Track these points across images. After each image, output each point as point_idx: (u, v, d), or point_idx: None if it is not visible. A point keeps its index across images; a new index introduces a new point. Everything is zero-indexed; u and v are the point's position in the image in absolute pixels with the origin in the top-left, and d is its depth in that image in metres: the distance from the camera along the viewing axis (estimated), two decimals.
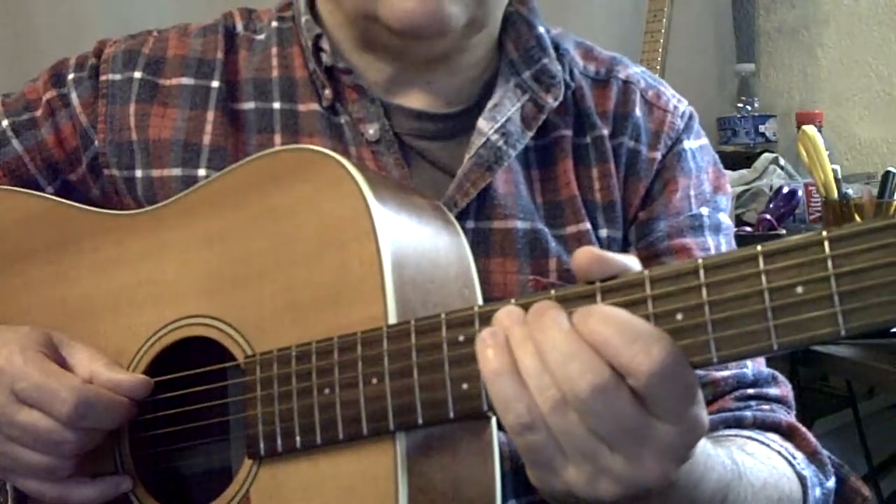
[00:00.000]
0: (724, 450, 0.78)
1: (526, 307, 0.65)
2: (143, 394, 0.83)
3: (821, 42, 2.53)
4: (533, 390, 0.61)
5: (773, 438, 0.90)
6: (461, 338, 0.68)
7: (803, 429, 0.94)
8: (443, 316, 0.69)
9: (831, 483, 0.92)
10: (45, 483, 0.84)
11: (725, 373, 0.94)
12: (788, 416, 0.95)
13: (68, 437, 0.80)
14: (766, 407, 0.94)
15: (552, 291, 0.66)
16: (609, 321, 0.60)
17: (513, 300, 0.66)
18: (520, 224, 0.93)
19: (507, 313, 0.64)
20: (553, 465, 0.63)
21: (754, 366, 0.96)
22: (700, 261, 0.61)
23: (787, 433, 0.93)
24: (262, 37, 1.00)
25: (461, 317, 0.68)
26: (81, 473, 0.84)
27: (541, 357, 0.61)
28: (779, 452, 0.88)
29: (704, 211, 0.98)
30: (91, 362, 0.83)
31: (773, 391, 0.96)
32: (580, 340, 0.61)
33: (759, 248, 0.59)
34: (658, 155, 0.98)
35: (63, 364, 0.84)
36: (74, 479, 0.84)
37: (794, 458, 0.89)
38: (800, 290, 0.58)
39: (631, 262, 0.66)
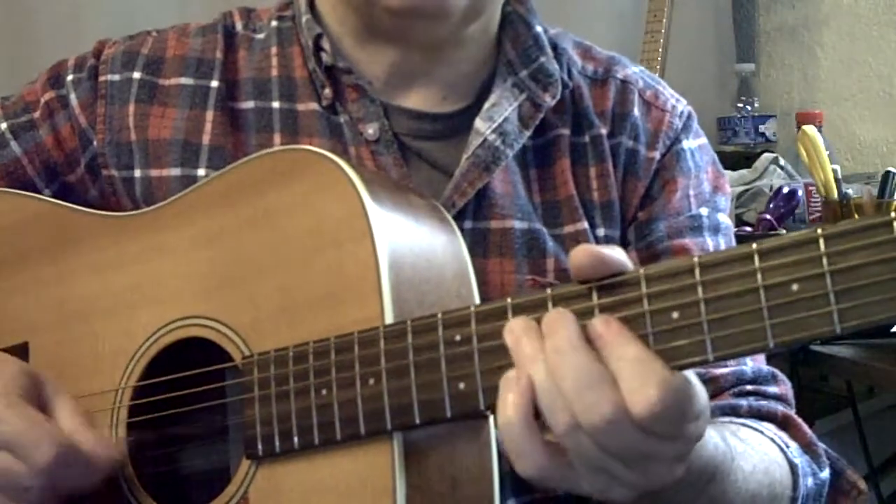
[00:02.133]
0: (716, 432, 0.78)
1: (523, 308, 0.66)
2: (117, 460, 0.81)
3: (821, 42, 2.53)
4: (545, 410, 0.63)
5: (768, 427, 0.91)
6: (458, 337, 0.68)
7: (799, 420, 0.94)
8: (439, 316, 0.69)
9: (825, 474, 0.92)
10: None
11: (724, 370, 0.94)
12: (786, 409, 0.95)
13: (35, 483, 0.77)
14: (763, 402, 0.94)
15: (548, 290, 0.66)
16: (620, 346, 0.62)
17: (508, 299, 0.67)
18: (517, 224, 0.92)
19: (518, 326, 0.65)
20: (566, 485, 0.66)
21: (754, 364, 0.96)
22: (696, 259, 0.61)
23: (783, 423, 0.93)
24: (261, 36, 1.00)
25: (457, 316, 0.68)
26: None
27: (554, 379, 0.62)
28: (772, 440, 0.89)
29: (704, 211, 0.98)
30: (72, 418, 0.81)
31: (772, 389, 0.96)
32: (593, 367, 0.62)
33: (754, 245, 0.60)
34: (657, 155, 0.97)
35: (44, 410, 0.81)
36: None
37: (788, 446, 0.89)
38: (795, 287, 0.58)
39: (628, 259, 0.66)
